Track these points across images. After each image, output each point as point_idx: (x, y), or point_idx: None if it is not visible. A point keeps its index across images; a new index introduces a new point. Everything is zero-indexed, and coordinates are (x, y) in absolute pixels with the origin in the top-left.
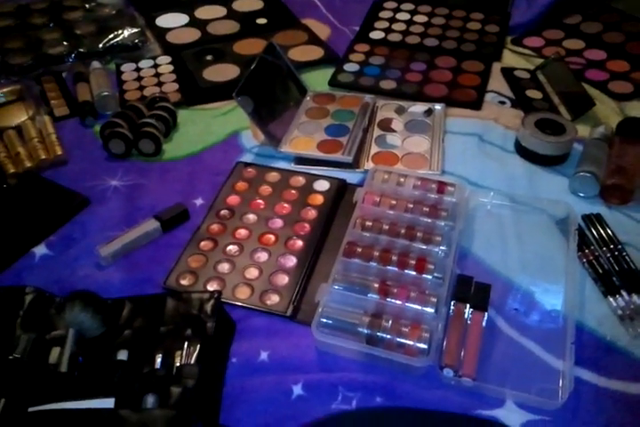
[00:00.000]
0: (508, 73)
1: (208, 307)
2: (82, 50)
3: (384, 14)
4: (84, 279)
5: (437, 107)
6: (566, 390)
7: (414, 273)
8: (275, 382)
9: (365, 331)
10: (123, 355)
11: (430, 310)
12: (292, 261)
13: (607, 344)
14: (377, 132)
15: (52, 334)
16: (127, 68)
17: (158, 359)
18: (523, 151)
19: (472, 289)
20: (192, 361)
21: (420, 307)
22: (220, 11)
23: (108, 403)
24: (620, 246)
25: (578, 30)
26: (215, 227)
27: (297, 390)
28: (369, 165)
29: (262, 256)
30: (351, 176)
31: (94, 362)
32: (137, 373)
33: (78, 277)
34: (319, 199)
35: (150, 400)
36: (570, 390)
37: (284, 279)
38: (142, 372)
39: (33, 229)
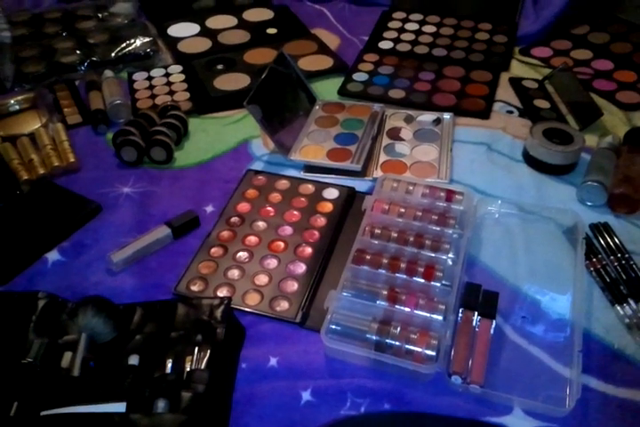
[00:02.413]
0: (516, 83)
1: (218, 313)
2: (94, 59)
3: (393, 24)
4: (96, 285)
5: (446, 116)
6: (574, 398)
7: (423, 280)
8: (284, 387)
9: (374, 337)
10: (134, 360)
11: (439, 317)
12: (301, 267)
13: (614, 352)
14: (386, 140)
15: (64, 339)
16: (139, 76)
17: (169, 364)
18: (531, 160)
19: (480, 297)
20: (202, 366)
21: (428, 314)
22: (231, 20)
23: (120, 407)
24: (627, 255)
25: (585, 41)
26: (225, 234)
27: (306, 395)
28: (378, 173)
29: (272, 263)
30: (360, 184)
31: (106, 367)
32: (148, 377)
33: (90, 282)
34: (328, 207)
35: (161, 405)
36: (577, 398)
37: (293, 286)
38: (153, 377)
39: (46, 236)
